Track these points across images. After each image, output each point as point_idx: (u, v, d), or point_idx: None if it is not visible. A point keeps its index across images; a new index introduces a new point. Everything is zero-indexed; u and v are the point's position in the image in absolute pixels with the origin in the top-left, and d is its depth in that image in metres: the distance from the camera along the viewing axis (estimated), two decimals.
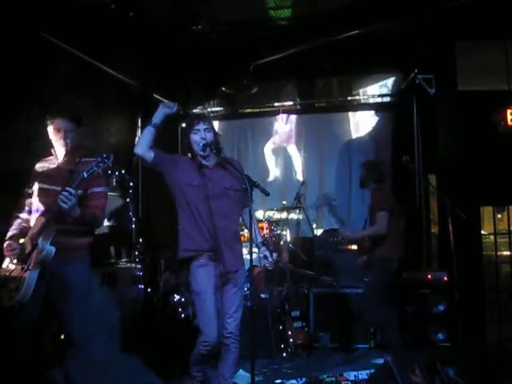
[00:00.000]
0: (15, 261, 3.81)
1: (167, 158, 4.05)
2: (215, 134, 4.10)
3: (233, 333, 4.02)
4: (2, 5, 4.85)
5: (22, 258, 3.76)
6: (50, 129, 4.03)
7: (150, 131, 3.95)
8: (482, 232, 6.76)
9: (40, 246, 3.66)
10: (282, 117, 8.49)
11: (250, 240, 3.79)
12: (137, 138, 7.04)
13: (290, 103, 8.48)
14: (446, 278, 6.04)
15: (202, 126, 4.01)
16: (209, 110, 8.64)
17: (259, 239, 4.23)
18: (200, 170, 4.01)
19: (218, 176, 4.02)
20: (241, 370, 4.99)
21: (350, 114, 8.34)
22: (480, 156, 6.40)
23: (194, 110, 8.44)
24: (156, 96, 7.65)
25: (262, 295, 6.11)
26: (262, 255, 4.19)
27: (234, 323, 4.03)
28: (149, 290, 5.92)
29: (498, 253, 6.73)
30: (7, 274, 3.79)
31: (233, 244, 4.06)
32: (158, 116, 3.98)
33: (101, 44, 6.41)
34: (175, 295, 6.00)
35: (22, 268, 3.71)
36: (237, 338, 4.05)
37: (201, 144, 3.94)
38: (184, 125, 4.35)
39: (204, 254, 3.96)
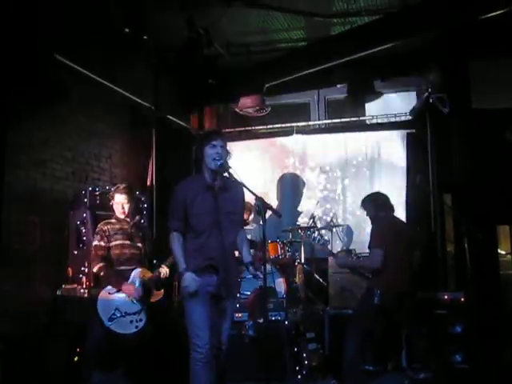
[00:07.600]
0: None
1: (184, 210, 3.97)
2: (228, 153, 4.07)
3: (225, 344, 3.99)
4: (17, 28, 4.94)
5: None
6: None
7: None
8: (499, 251, 6.67)
9: None
10: (295, 137, 8.48)
11: (264, 265, 3.78)
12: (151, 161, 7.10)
13: (303, 123, 8.49)
14: (462, 299, 5.94)
15: (219, 143, 3.98)
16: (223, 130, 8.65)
17: (247, 259, 4.13)
18: (210, 191, 3.96)
19: (224, 199, 3.98)
20: None
21: (364, 133, 8.30)
22: (495, 174, 6.35)
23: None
24: (170, 117, 7.70)
25: (259, 320, 5.86)
26: (251, 275, 4.14)
27: (225, 334, 4.00)
28: None
29: None
30: None
31: (229, 268, 3.97)
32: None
33: (115, 66, 6.50)
34: None
35: None
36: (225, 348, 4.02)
37: (218, 162, 3.89)
38: (196, 146, 4.27)
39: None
